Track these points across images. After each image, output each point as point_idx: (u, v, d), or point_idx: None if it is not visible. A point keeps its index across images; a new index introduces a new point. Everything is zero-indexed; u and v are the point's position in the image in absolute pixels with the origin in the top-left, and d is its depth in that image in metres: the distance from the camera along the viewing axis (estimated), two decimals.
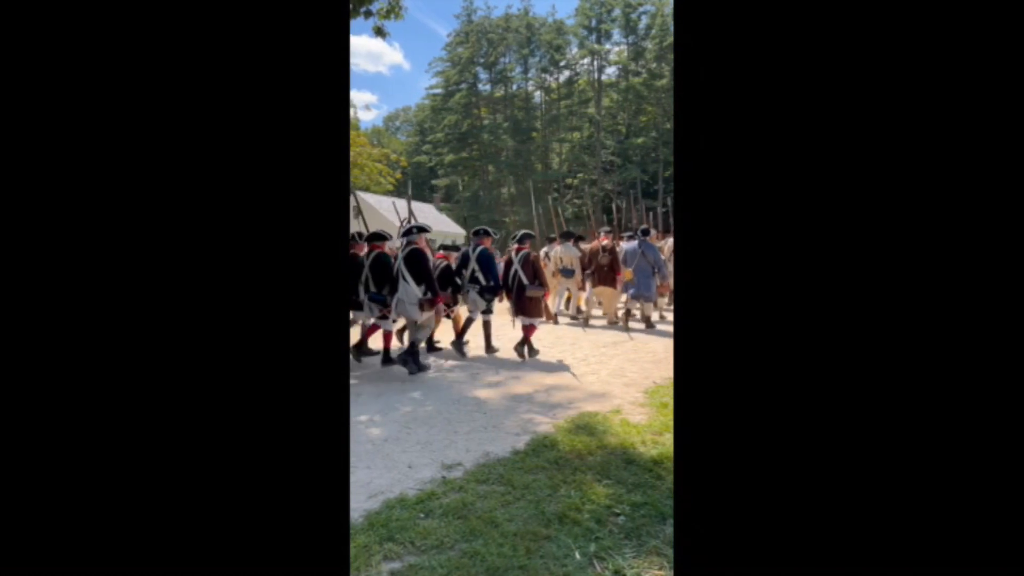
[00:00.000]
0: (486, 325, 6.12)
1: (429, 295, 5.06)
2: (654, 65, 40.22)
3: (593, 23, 43.27)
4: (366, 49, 75.98)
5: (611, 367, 5.44)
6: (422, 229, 5.41)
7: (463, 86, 45.79)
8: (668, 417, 3.71)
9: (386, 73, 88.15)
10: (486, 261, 5.81)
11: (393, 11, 7.38)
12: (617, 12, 42.15)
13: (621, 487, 2.65)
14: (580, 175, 43.55)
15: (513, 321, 6.11)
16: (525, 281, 5.92)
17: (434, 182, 46.49)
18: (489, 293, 5.77)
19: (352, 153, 28.33)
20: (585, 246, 8.45)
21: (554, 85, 46.07)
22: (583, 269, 7.97)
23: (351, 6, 6.98)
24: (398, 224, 6.42)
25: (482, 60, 45.34)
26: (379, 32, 7.58)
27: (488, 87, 46.54)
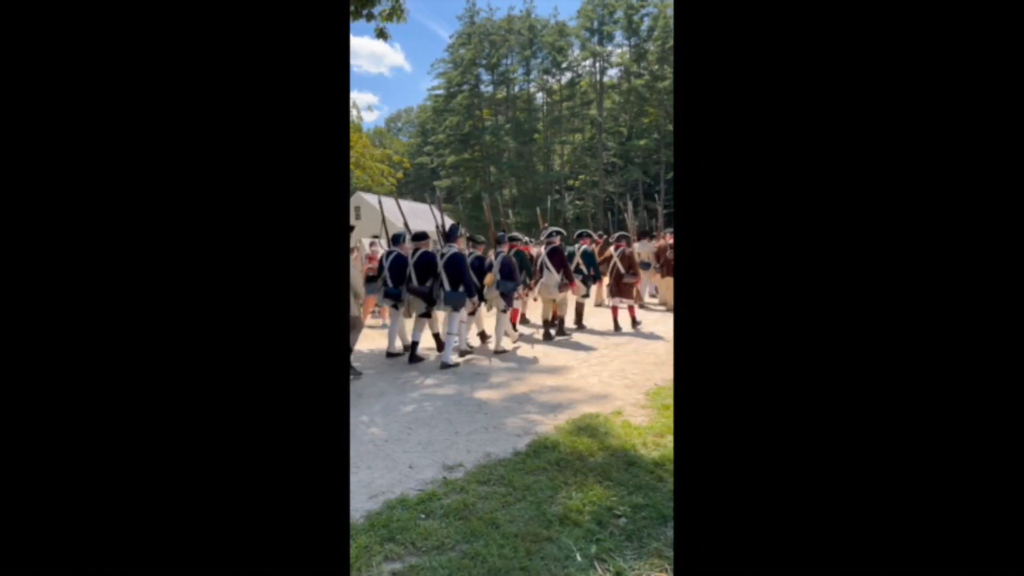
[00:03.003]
0: (579, 306, 7.86)
1: (566, 280, 6.83)
2: (656, 67, 40.21)
3: (595, 25, 43.28)
4: (368, 50, 76.19)
5: (612, 368, 5.43)
6: (559, 233, 7.15)
7: (465, 87, 45.84)
8: (669, 419, 3.71)
9: (387, 74, 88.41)
10: (588, 257, 7.45)
11: (395, 13, 7.38)
12: (619, 14, 42.17)
13: (622, 489, 2.65)
14: (582, 176, 43.57)
15: (610, 301, 7.97)
16: (623, 271, 7.77)
17: (436, 183, 46.56)
18: (591, 281, 7.50)
19: (354, 154, 28.42)
20: (654, 244, 9.81)
21: (556, 87, 46.09)
22: (657, 262, 9.57)
23: (353, 8, 6.99)
24: (401, 225, 6.83)
25: (484, 62, 45.38)
26: (381, 34, 7.58)
27: (490, 88, 46.59)
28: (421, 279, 5.67)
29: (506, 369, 5.51)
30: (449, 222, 7.32)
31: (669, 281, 9.36)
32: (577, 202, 41.44)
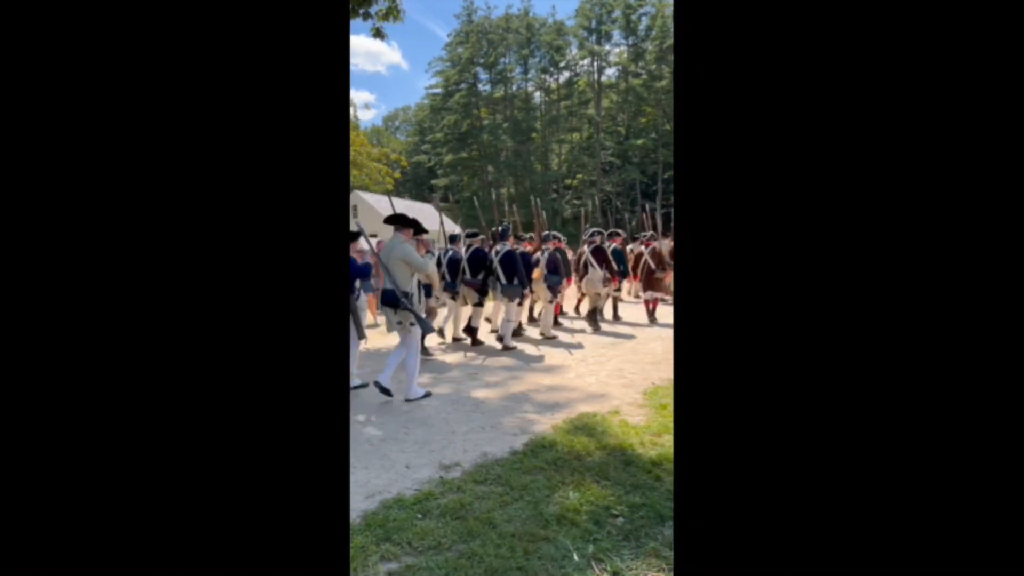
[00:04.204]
0: (612, 299, 8.66)
1: (608, 275, 7.64)
2: (654, 66, 40.25)
3: (593, 24, 43.31)
4: (364, 48, 75.99)
5: (610, 367, 5.44)
6: (600, 232, 7.99)
7: (463, 86, 45.80)
8: (667, 418, 3.71)
9: (384, 73, 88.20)
10: (618, 255, 8.25)
11: (392, 13, 7.35)
12: (617, 13, 42.20)
13: (620, 488, 2.65)
14: (579, 176, 43.60)
15: (640, 295, 9.08)
16: (653, 267, 8.56)
17: (433, 182, 46.52)
18: (621, 277, 8.29)
19: (352, 152, 28.42)
20: (669, 243, 10.55)
21: (554, 86, 46.10)
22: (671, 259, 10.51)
23: (350, 6, 6.97)
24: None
25: (482, 60, 45.36)
26: (378, 34, 7.55)
27: (488, 87, 46.55)
28: (474, 272, 6.42)
29: (503, 368, 5.51)
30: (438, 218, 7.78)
31: None
32: (575, 201, 41.45)
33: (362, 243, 5.63)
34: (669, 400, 4.13)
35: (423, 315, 4.41)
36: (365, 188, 30.99)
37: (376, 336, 7.28)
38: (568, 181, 43.80)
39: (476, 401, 4.35)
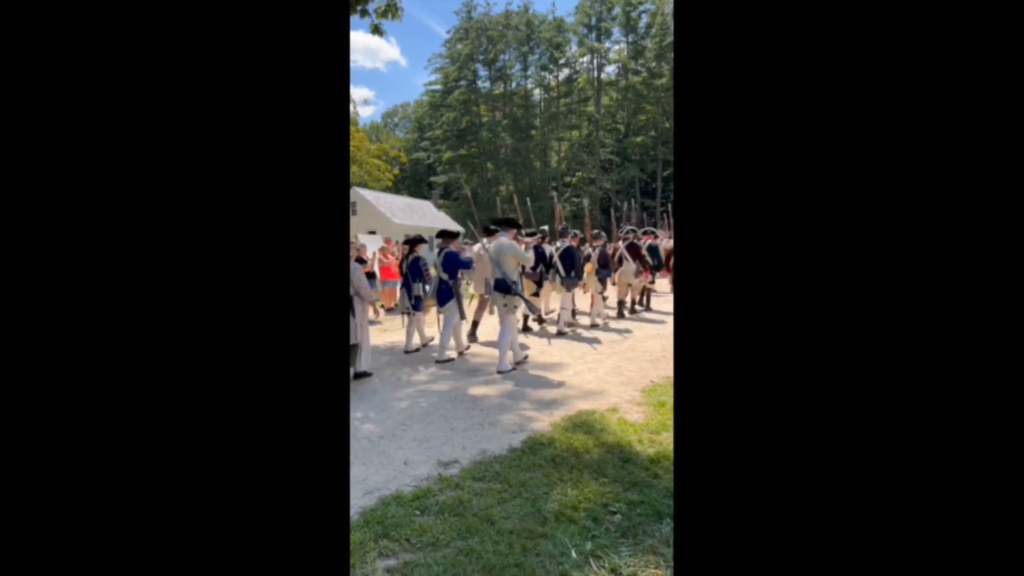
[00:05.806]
0: (646, 291, 9.62)
1: (641, 268, 8.60)
2: (654, 64, 40.21)
3: (593, 21, 43.24)
4: (363, 45, 75.73)
5: (608, 365, 5.44)
6: (633, 231, 9.08)
7: (462, 83, 45.72)
8: (665, 416, 3.72)
9: (383, 69, 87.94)
10: (653, 251, 9.21)
11: (391, 10, 7.33)
12: (617, 11, 42.13)
13: (618, 485, 2.66)
14: (579, 173, 43.58)
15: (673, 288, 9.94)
16: None
17: (432, 179, 46.47)
18: (655, 270, 9.23)
19: (351, 149, 28.40)
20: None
21: (553, 83, 46.01)
22: None
23: (349, 3, 6.95)
24: (394, 221, 7.40)
25: (481, 57, 45.27)
26: (376, 30, 7.53)
27: (487, 84, 46.46)
28: (533, 267, 7.06)
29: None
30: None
31: None
32: (574, 199, 41.42)
33: (470, 242, 6.12)
34: (667, 398, 4.14)
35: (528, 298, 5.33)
36: (364, 185, 30.95)
37: (376, 333, 7.29)
38: (567, 179, 43.76)
39: (475, 398, 4.35)
